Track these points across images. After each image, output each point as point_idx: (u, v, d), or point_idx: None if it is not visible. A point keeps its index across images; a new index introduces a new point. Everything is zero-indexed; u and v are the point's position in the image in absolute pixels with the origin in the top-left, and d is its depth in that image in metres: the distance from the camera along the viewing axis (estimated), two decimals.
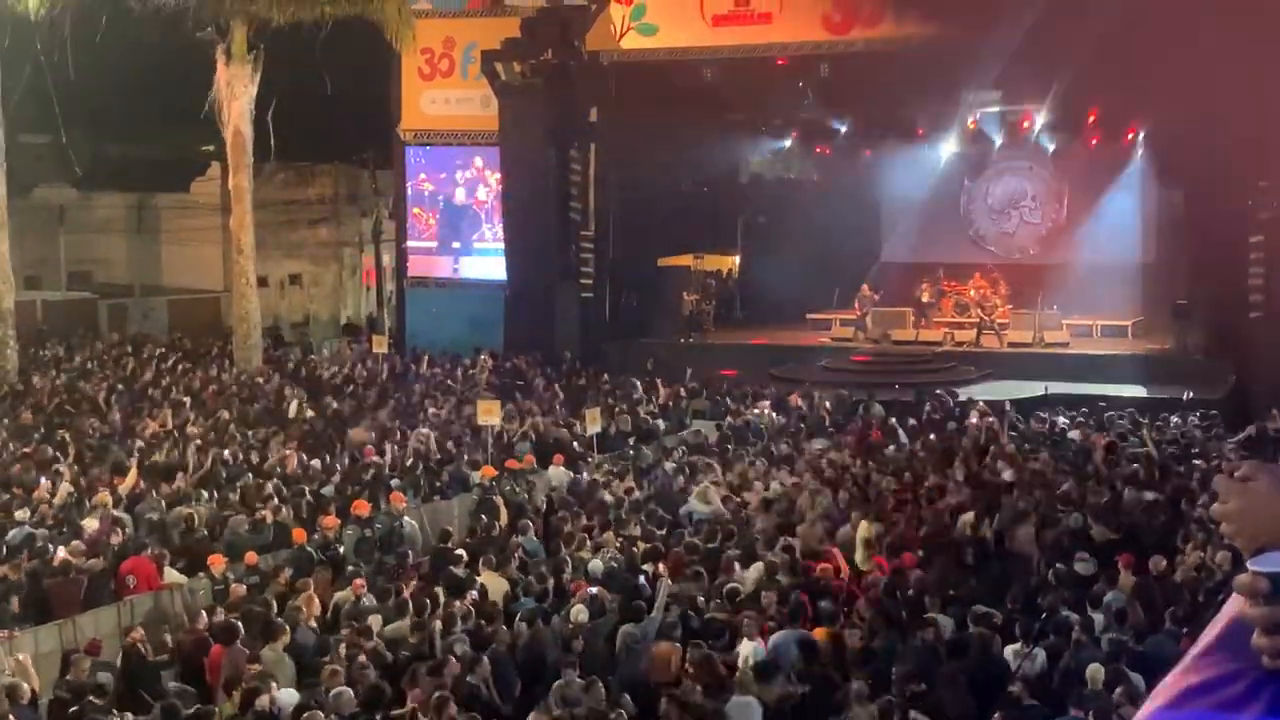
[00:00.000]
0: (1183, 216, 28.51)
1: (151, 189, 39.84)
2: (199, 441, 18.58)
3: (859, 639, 10.87)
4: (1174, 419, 21.50)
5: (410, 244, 31.97)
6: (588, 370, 26.20)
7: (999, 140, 30.68)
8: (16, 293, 26.97)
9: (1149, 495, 15.28)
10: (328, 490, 16.30)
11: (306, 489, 16.27)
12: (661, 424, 21.25)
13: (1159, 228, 29.98)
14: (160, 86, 32.18)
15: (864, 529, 13.95)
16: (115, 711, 9.75)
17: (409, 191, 31.78)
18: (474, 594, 12.17)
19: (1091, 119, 27.99)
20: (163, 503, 15.45)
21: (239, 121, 26.50)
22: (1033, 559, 13.71)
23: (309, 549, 13.87)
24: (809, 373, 26.86)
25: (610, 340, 29.32)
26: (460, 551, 13.64)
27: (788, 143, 33.10)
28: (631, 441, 19.86)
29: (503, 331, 28.78)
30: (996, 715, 9.26)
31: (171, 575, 13.19)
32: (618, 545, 13.85)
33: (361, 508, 14.94)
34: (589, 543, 14.07)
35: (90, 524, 14.40)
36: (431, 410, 21.61)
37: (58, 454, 17.74)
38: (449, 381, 24.93)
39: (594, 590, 12.01)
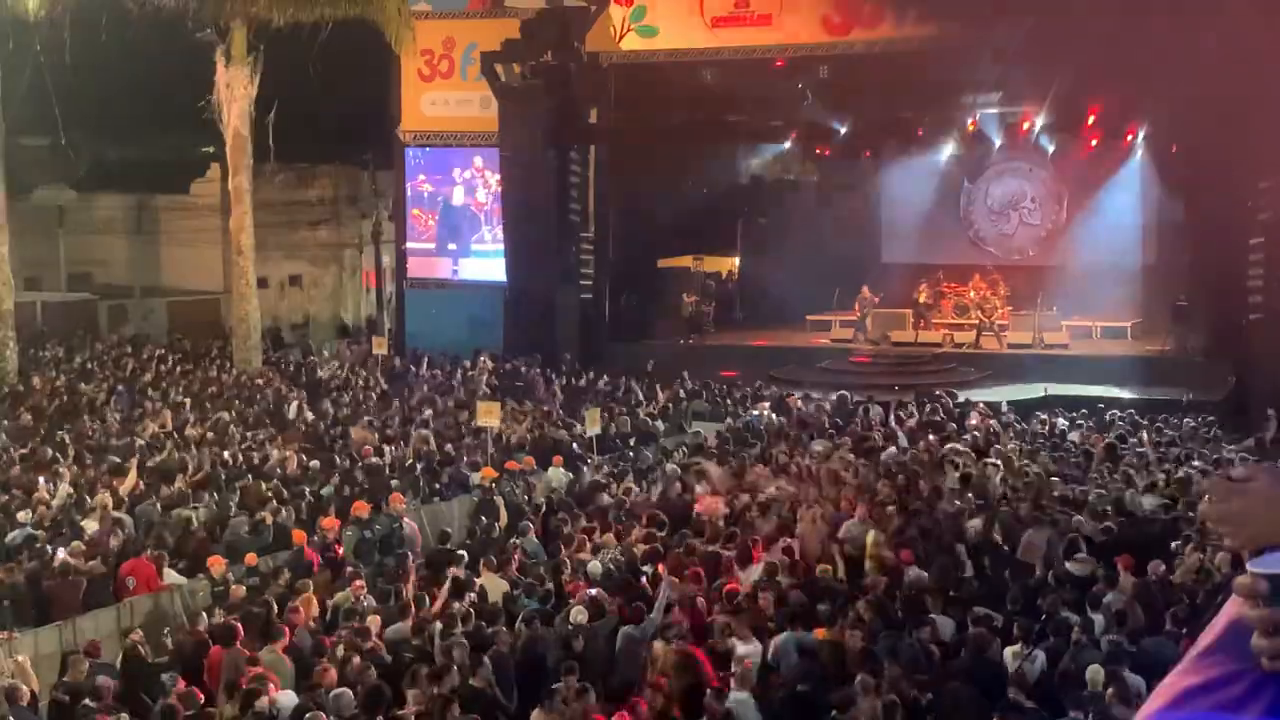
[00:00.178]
0: (1182, 218, 28.53)
1: (151, 190, 39.82)
2: (199, 443, 18.59)
3: (860, 640, 10.86)
4: (1174, 420, 21.50)
5: (410, 245, 31.99)
6: (587, 372, 26.21)
7: (998, 141, 30.65)
8: (16, 294, 27.00)
9: (1148, 497, 15.27)
10: (327, 491, 16.30)
11: (306, 490, 16.28)
12: (661, 425, 21.25)
13: (1159, 229, 29.98)
14: (160, 88, 32.19)
15: (871, 539, 13.95)
16: (115, 712, 9.75)
17: (409, 193, 31.79)
18: (473, 595, 12.17)
19: (1091, 120, 27.99)
20: (160, 505, 15.45)
21: (238, 123, 26.53)
22: (1036, 562, 13.69)
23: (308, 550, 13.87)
24: (809, 374, 26.88)
25: (610, 342, 29.34)
26: (462, 553, 13.64)
27: (787, 144, 33.06)
28: (631, 443, 19.87)
29: (502, 333, 28.79)
30: (995, 718, 9.26)
31: (171, 576, 13.19)
32: (618, 546, 13.85)
33: (361, 509, 14.93)
34: (589, 544, 14.07)
35: (90, 525, 14.41)
36: (429, 412, 21.61)
37: (57, 455, 17.75)
38: (450, 383, 24.95)
39: (593, 591, 12.01)
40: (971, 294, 29.63)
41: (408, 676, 10.04)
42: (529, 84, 28.26)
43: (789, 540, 13.74)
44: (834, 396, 22.94)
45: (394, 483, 16.47)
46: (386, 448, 18.86)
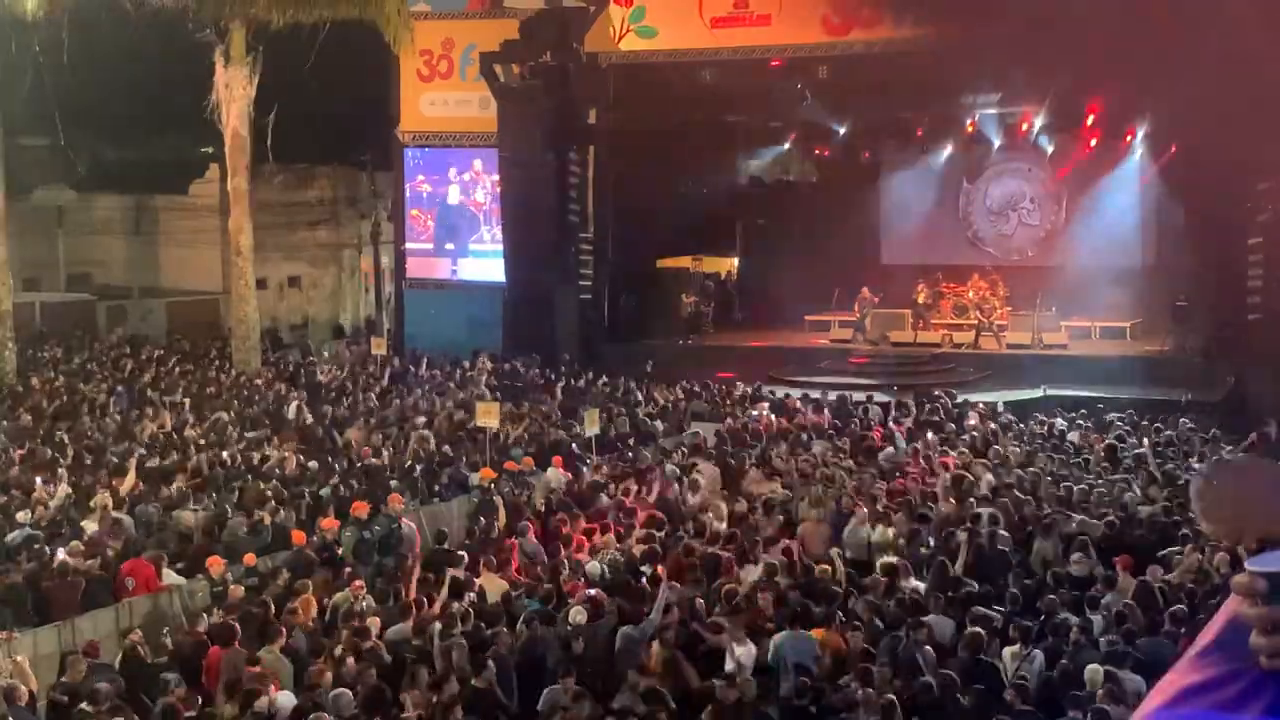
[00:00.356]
0: (1182, 218, 28.52)
1: (150, 191, 39.81)
2: (198, 443, 18.57)
3: (860, 640, 10.87)
4: (1173, 420, 21.49)
5: (409, 246, 31.99)
6: (586, 372, 26.20)
7: (997, 142, 30.70)
8: (15, 294, 27.00)
9: (1148, 498, 15.28)
10: (325, 492, 16.29)
11: (306, 490, 16.27)
12: (660, 426, 21.24)
13: (1158, 229, 29.97)
14: (159, 88, 32.22)
15: (871, 540, 13.93)
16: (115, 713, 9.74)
17: (407, 193, 31.79)
18: (472, 595, 12.16)
19: (1090, 120, 28.01)
20: (158, 506, 15.44)
21: (237, 123, 26.52)
22: (1036, 564, 13.68)
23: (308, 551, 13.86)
24: (808, 375, 26.87)
25: (609, 342, 29.33)
26: (461, 553, 13.63)
27: (787, 145, 33.12)
28: (630, 443, 19.85)
29: (501, 333, 28.79)
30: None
31: (170, 577, 13.18)
32: (617, 547, 13.85)
33: (360, 509, 14.92)
34: (588, 545, 14.06)
35: (89, 526, 14.40)
36: (428, 412, 21.60)
37: (56, 456, 17.74)
38: (449, 383, 24.93)
39: (592, 592, 12.00)
40: (970, 294, 29.62)
41: (407, 677, 10.04)
42: (528, 84, 28.26)
43: (788, 541, 13.74)
44: (833, 397, 22.92)
45: (393, 483, 16.46)
46: (384, 448, 18.83)
